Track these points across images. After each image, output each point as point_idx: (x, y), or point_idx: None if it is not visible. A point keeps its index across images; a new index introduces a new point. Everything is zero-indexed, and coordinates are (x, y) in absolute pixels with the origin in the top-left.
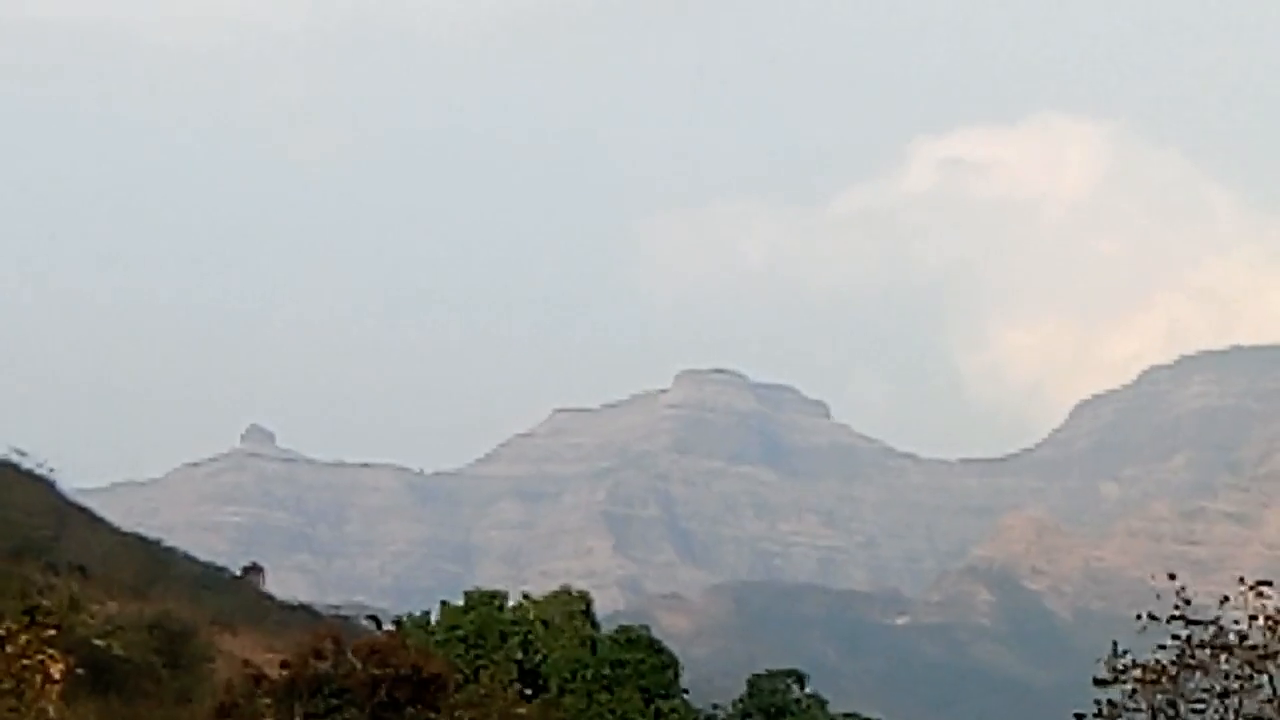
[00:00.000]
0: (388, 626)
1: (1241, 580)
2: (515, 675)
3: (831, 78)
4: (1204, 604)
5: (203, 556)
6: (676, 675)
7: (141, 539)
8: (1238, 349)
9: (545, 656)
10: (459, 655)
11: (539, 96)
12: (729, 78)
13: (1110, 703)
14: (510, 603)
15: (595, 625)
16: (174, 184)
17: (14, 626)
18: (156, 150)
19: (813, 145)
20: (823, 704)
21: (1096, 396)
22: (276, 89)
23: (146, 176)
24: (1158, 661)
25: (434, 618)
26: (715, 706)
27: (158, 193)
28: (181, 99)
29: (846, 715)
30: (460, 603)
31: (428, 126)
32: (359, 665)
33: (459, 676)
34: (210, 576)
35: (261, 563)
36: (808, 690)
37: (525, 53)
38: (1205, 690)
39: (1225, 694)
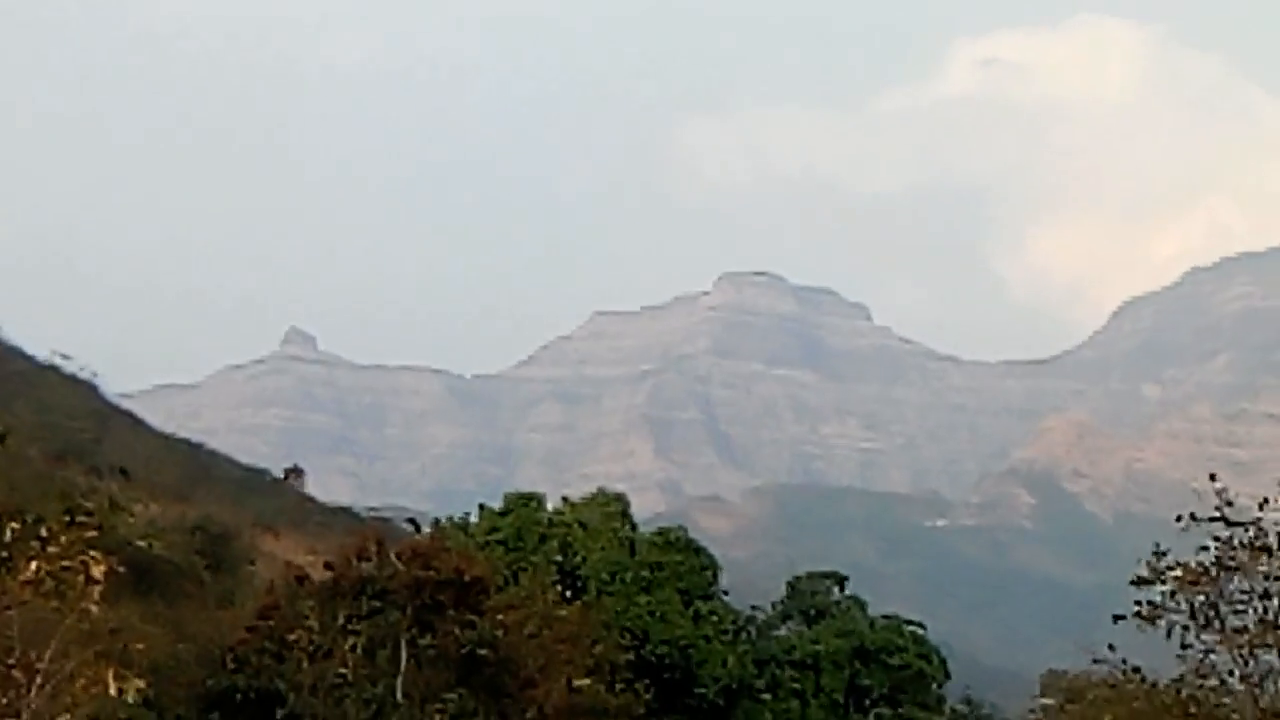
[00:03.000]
0: (426, 529)
1: None
2: (555, 577)
3: None
4: (1245, 505)
5: (244, 459)
6: (716, 577)
7: (183, 442)
8: (1278, 250)
9: (584, 559)
10: (498, 557)
11: (576, 6)
12: None
13: (1150, 603)
14: (550, 505)
15: (634, 527)
16: (212, 86)
17: (55, 527)
18: (204, 56)
19: (849, 48)
20: (862, 606)
21: (1138, 298)
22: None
23: (187, 82)
24: (1198, 563)
25: (473, 520)
26: (755, 608)
27: (198, 97)
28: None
29: (886, 617)
30: (499, 505)
31: (458, 39)
32: (401, 567)
33: (499, 579)
34: (252, 479)
35: (302, 465)
36: (847, 592)
37: None
38: (1245, 591)
39: (1266, 595)
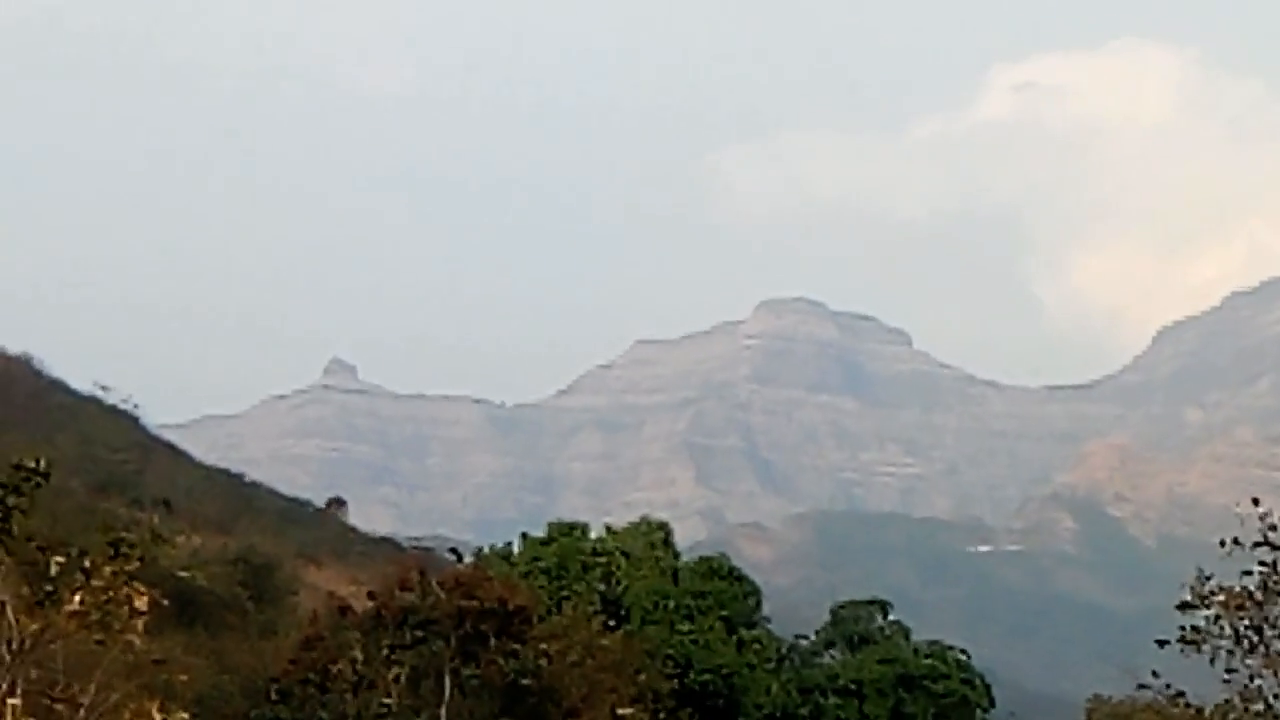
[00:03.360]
0: (468, 559)
1: None
2: (598, 606)
3: (908, 6)
4: None
5: (286, 490)
6: (759, 604)
7: (225, 473)
8: None
9: (627, 587)
10: (541, 586)
11: (617, 30)
12: (803, 6)
13: (1194, 628)
14: (592, 534)
15: (676, 555)
16: (258, 115)
17: (98, 560)
18: (253, 86)
19: (888, 74)
20: (906, 632)
21: (1179, 322)
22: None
23: (230, 110)
24: (1243, 587)
25: (516, 549)
26: (798, 636)
27: (241, 125)
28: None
29: (930, 643)
30: (542, 534)
31: (500, 63)
32: (444, 597)
33: (542, 608)
34: (294, 510)
35: (344, 496)
36: (890, 618)
37: None
38: None
39: None
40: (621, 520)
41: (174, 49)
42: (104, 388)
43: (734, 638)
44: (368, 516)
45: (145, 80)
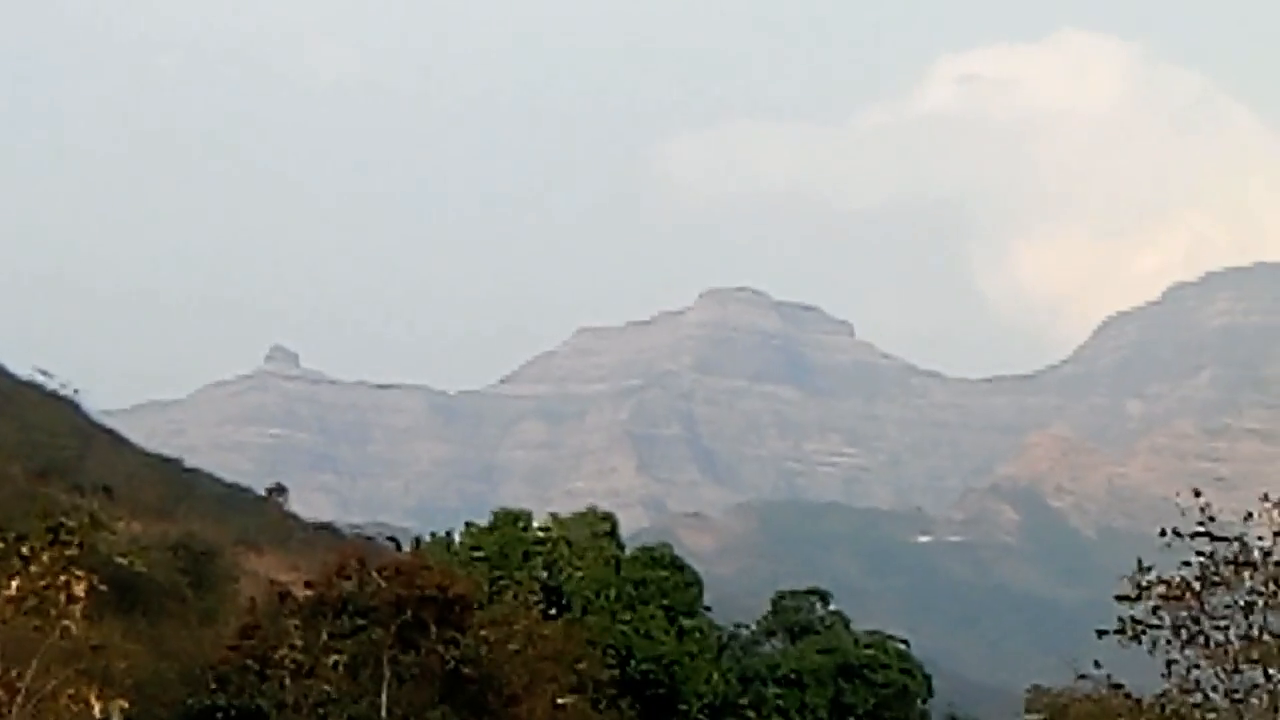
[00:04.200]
0: (408, 547)
1: (1265, 497)
2: (539, 594)
3: None
4: (1228, 521)
5: (227, 477)
6: (700, 594)
7: (165, 459)
8: (1262, 265)
9: (569, 576)
10: (482, 575)
11: (562, 18)
12: None
13: (1134, 619)
14: (535, 523)
15: (620, 545)
16: (198, 96)
17: (37, 545)
18: (191, 66)
19: (831, 63)
20: (846, 622)
21: (1121, 313)
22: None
23: (172, 92)
24: (1181, 578)
25: (457, 537)
26: (739, 625)
27: (184, 107)
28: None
29: (870, 633)
30: (485, 523)
31: (447, 51)
32: (384, 585)
33: (483, 596)
34: (234, 497)
35: (285, 483)
36: (831, 608)
37: None
38: (1229, 606)
39: (1249, 609)
40: (563, 509)
41: (121, 28)
42: (44, 373)
43: (675, 627)
44: (309, 503)
45: (88, 57)
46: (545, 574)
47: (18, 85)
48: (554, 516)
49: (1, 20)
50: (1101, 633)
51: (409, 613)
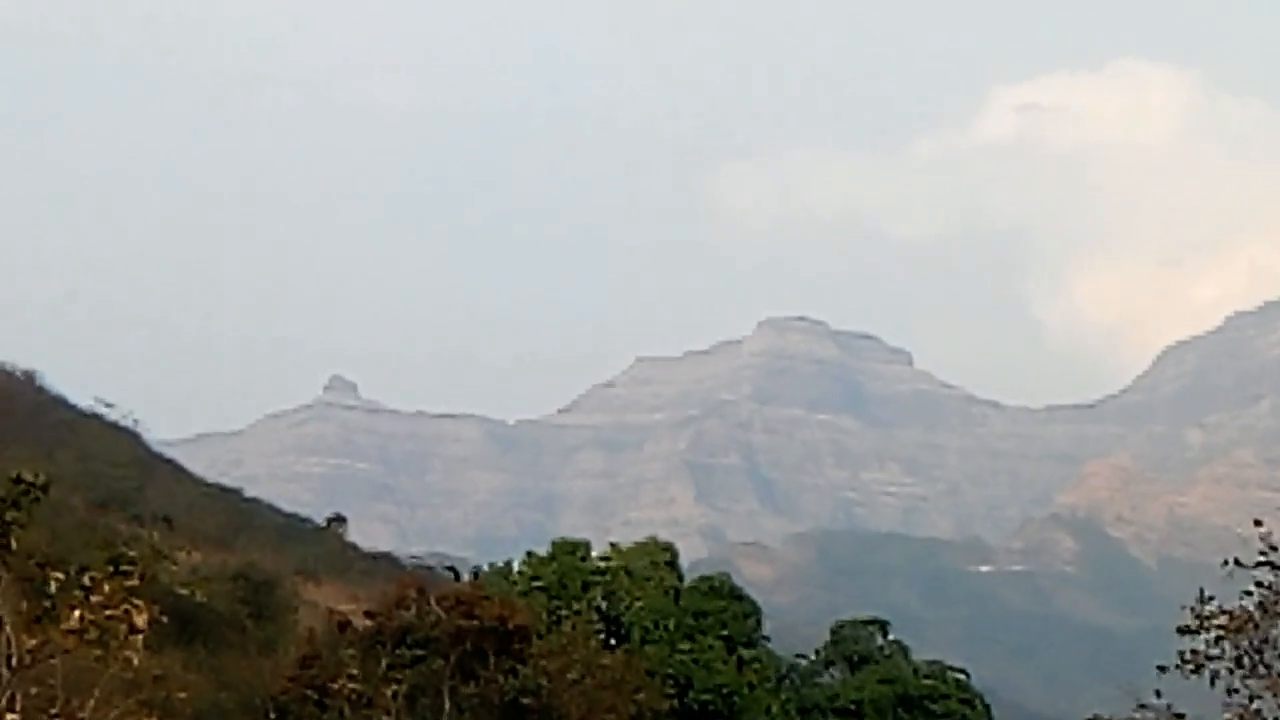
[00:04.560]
0: (467, 576)
1: None
2: (598, 625)
3: (909, 24)
4: None
5: (286, 507)
6: (759, 623)
7: (225, 490)
8: None
9: (628, 606)
10: (541, 605)
11: (618, 46)
12: (802, 24)
13: (1194, 651)
14: (594, 552)
15: (680, 575)
16: (258, 127)
17: (99, 576)
18: (249, 96)
19: (888, 92)
20: (905, 652)
21: (1181, 343)
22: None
23: (230, 122)
24: (1243, 608)
25: (515, 567)
26: (798, 655)
27: (242, 138)
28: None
29: (930, 663)
30: (544, 552)
31: (504, 80)
32: (443, 615)
33: (542, 626)
34: (294, 527)
35: (344, 513)
36: (890, 638)
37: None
38: None
39: None
40: (622, 539)
41: (175, 57)
42: (106, 404)
43: (734, 657)
44: (368, 533)
45: (145, 88)
46: (604, 604)
47: (84, 114)
48: (614, 546)
49: (75, 57)
50: (1163, 668)
51: (468, 643)
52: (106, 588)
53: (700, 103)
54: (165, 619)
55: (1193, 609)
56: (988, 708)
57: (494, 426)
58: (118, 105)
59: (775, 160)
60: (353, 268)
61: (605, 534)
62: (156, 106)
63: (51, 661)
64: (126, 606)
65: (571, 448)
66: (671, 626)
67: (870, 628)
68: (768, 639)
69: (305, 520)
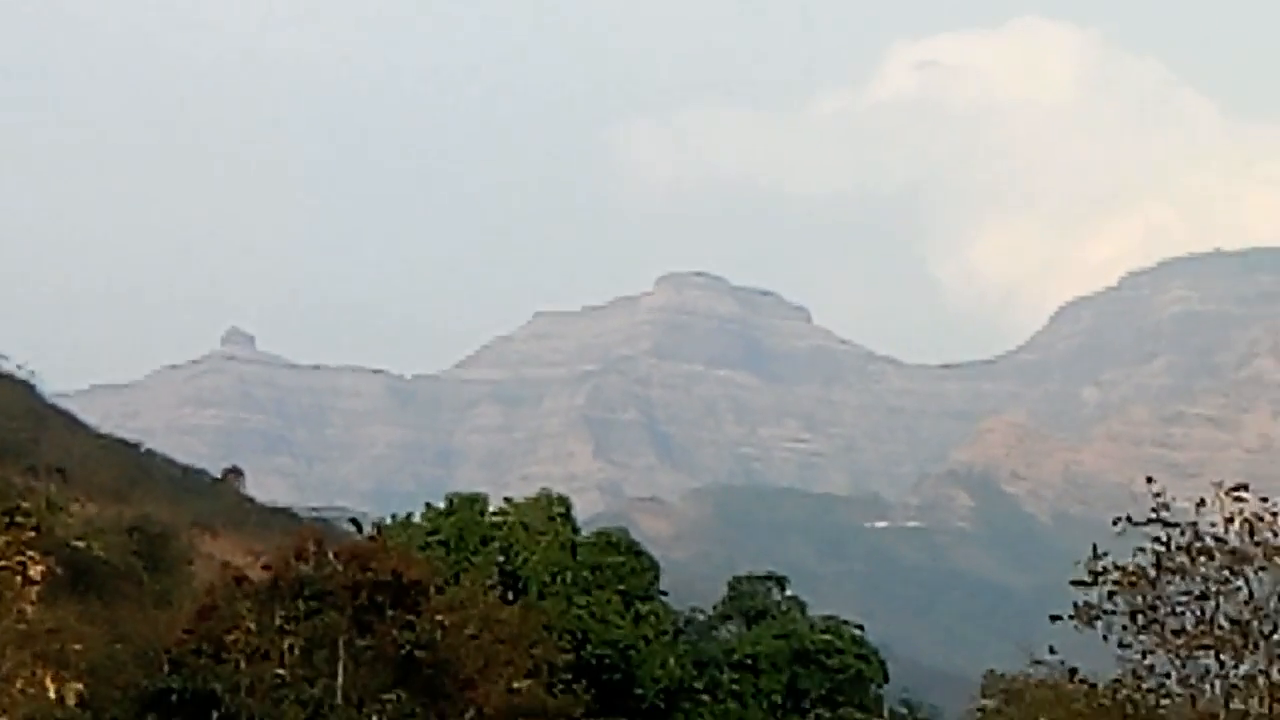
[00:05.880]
0: (369, 530)
1: (1219, 484)
2: (496, 578)
3: None
4: (1182, 508)
5: (182, 459)
6: (656, 578)
7: (121, 442)
8: (1218, 253)
9: (525, 560)
10: (439, 559)
11: (516, 2)
12: None
13: (1088, 605)
14: (491, 507)
15: (575, 529)
16: (152, 80)
17: None
18: (143, 50)
19: (788, 50)
20: (802, 607)
21: (1077, 300)
22: None
23: (126, 76)
24: (1136, 565)
25: (416, 521)
26: (695, 609)
27: (140, 91)
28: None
29: (825, 618)
30: (442, 506)
31: (407, 35)
32: (340, 569)
33: (439, 580)
34: (190, 479)
35: (241, 466)
36: (787, 593)
37: None
38: (1184, 593)
39: (1204, 596)
40: (519, 493)
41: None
42: None
43: (631, 611)
44: (264, 487)
45: (46, 40)
46: (502, 558)
47: None
48: (508, 500)
49: None
50: (1055, 618)
51: (365, 596)
52: (1, 540)
53: (598, 60)
54: (60, 571)
55: (1086, 565)
56: (883, 663)
57: (392, 380)
58: (15, 51)
59: (674, 117)
60: (251, 221)
61: (503, 489)
62: (54, 54)
63: None
64: (20, 559)
65: (469, 402)
66: (569, 580)
67: (767, 583)
68: (665, 594)
69: (201, 473)
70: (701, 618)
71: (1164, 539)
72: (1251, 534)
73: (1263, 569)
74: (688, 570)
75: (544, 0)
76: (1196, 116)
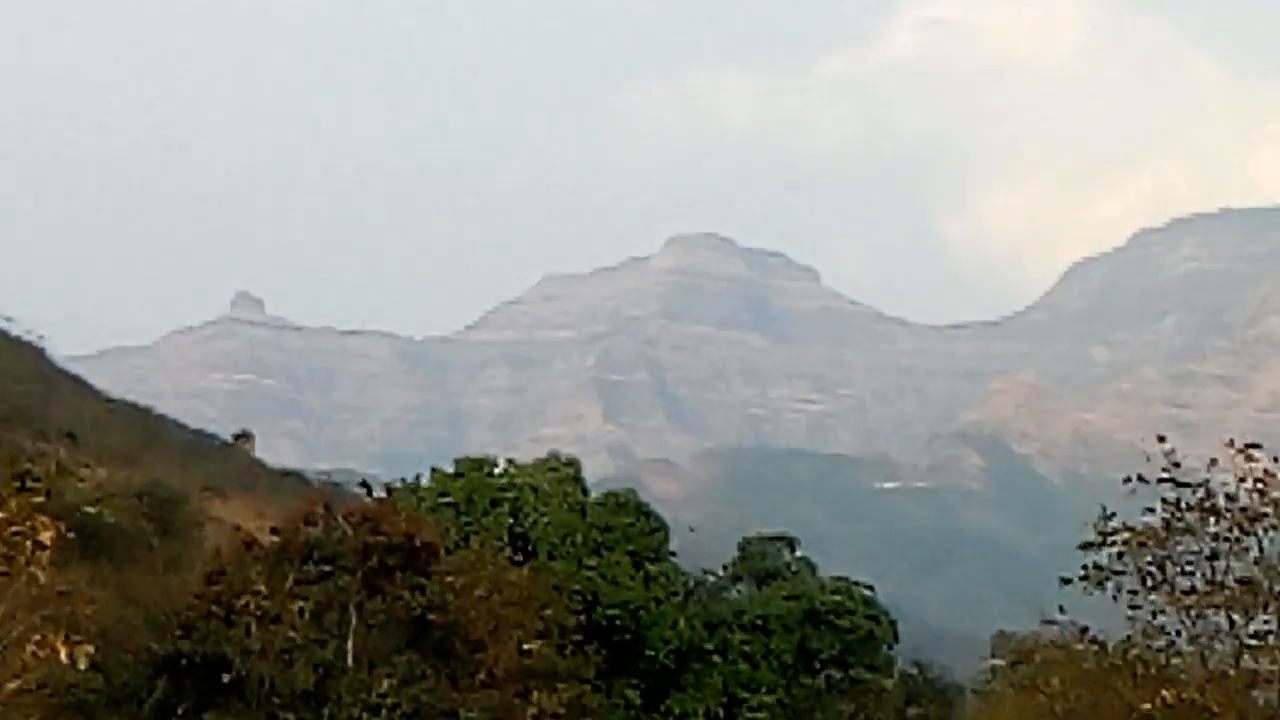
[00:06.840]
0: (379, 493)
1: (1230, 443)
2: (505, 541)
3: None
4: (1193, 467)
5: (192, 423)
6: (666, 540)
7: (131, 406)
8: (1228, 211)
9: (535, 522)
10: (449, 521)
11: None
12: None
13: (1097, 566)
14: (500, 469)
15: (585, 491)
16: (165, 46)
17: (3, 492)
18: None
19: (795, 10)
20: (812, 568)
21: (1087, 260)
22: None
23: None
24: (1146, 524)
25: (424, 483)
26: (705, 571)
27: (157, 50)
28: None
29: (836, 579)
30: (450, 469)
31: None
32: (350, 532)
33: (449, 542)
34: (200, 443)
35: (251, 429)
36: (797, 554)
37: None
38: (1193, 552)
39: (1214, 556)
40: (528, 456)
41: None
42: (7, 318)
43: (641, 573)
44: (275, 450)
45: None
46: (512, 520)
47: None
48: (511, 462)
49: None
50: (1066, 580)
51: (375, 559)
52: (12, 504)
53: (606, 22)
54: (70, 535)
55: (1096, 524)
56: (893, 623)
57: (401, 343)
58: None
59: (683, 79)
60: (261, 184)
61: (513, 451)
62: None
63: None
64: (31, 523)
65: (479, 364)
66: (579, 542)
67: (777, 544)
68: (675, 555)
69: (212, 437)
70: (712, 579)
71: (1174, 498)
72: (1262, 493)
73: (1274, 528)
74: (698, 531)
75: None
76: (1205, 75)
